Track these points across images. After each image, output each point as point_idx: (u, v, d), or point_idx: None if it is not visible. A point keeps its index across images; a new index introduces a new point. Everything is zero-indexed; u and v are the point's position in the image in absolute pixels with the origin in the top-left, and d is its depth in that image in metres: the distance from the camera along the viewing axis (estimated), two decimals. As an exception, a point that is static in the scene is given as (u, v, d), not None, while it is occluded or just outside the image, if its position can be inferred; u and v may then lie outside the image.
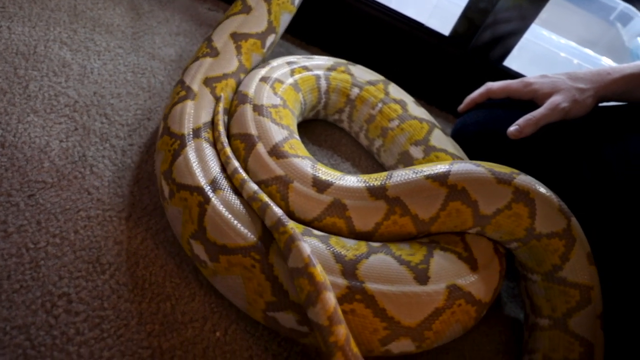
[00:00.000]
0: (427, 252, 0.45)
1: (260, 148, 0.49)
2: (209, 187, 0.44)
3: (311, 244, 0.42)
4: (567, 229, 0.47)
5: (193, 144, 0.47)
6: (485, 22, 0.71)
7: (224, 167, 0.47)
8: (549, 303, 0.48)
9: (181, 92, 0.52)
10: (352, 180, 0.48)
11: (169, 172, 0.46)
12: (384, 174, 0.49)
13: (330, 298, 0.38)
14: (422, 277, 0.42)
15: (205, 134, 0.49)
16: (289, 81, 0.59)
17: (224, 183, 0.45)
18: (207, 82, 0.53)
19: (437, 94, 0.80)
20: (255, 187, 0.45)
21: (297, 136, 0.54)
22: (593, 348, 0.45)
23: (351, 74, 0.65)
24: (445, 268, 0.44)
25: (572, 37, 1.12)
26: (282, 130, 0.52)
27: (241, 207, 0.44)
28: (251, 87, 0.55)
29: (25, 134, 0.53)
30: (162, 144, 0.49)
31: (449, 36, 0.75)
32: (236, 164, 0.47)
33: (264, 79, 0.57)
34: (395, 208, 0.46)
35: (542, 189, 0.48)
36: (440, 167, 0.48)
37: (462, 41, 0.74)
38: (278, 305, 0.41)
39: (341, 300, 0.40)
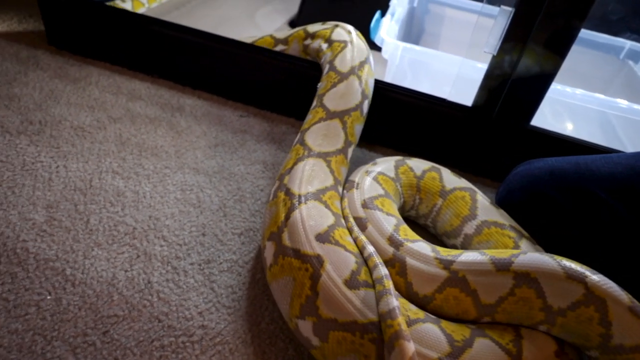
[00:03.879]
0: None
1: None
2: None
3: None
4: (588, 291, 0.44)
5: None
6: (505, 89, 0.73)
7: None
8: None
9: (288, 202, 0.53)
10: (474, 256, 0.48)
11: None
12: (510, 251, 0.49)
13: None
14: None
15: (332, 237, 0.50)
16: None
17: None
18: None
19: (470, 161, 0.81)
20: (385, 271, 0.46)
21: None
22: None
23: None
24: None
25: (586, 81, 1.14)
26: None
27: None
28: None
29: (92, 269, 0.55)
30: (288, 267, 0.48)
31: (472, 107, 0.77)
32: (371, 249, 0.48)
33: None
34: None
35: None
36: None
37: (485, 110, 0.76)
38: None
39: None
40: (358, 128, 0.69)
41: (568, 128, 1.00)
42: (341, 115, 0.66)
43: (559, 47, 0.67)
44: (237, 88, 0.88)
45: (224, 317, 0.52)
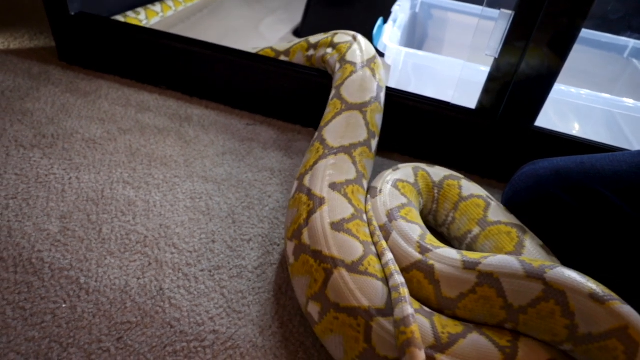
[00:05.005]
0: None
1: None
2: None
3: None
4: (547, 287, 0.43)
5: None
6: (509, 90, 0.74)
7: None
8: None
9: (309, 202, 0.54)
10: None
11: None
12: (485, 254, 0.49)
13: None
14: None
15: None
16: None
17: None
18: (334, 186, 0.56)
19: (475, 164, 0.82)
20: (401, 279, 0.46)
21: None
22: None
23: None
24: None
25: (591, 80, 1.14)
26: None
27: None
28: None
29: (105, 277, 0.56)
30: (304, 266, 0.51)
31: (476, 109, 0.78)
32: (390, 256, 0.49)
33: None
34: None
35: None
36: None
37: (489, 112, 0.77)
38: None
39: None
40: (378, 118, 0.70)
41: (574, 129, 1.00)
42: (360, 107, 0.67)
43: (560, 47, 0.68)
44: (243, 97, 0.89)
45: (235, 322, 0.53)
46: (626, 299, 0.58)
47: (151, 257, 0.59)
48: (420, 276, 0.50)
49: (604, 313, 0.41)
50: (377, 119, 0.70)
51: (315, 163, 0.60)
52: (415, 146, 0.84)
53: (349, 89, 0.71)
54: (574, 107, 1.00)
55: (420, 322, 0.44)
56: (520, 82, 0.72)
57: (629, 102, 0.89)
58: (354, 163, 0.61)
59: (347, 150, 0.62)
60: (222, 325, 0.53)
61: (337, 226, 0.51)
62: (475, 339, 0.43)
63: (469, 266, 0.48)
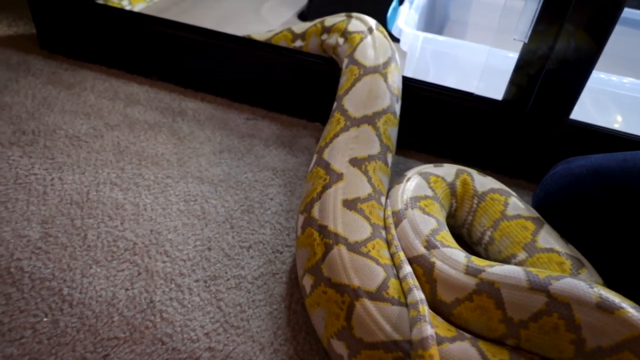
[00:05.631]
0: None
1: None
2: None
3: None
4: (550, 299, 0.44)
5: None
6: (540, 79, 0.73)
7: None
8: None
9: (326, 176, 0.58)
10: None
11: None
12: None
13: None
14: None
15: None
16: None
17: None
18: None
19: (503, 162, 0.81)
20: (421, 295, 0.46)
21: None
22: None
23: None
24: None
25: (635, 66, 1.13)
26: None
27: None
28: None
29: (90, 288, 0.57)
30: (308, 239, 0.55)
31: (503, 101, 0.77)
32: (408, 269, 0.50)
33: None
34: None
35: None
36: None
37: (518, 104, 0.76)
38: None
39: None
40: (393, 132, 0.70)
41: (616, 122, 0.99)
42: (371, 119, 0.66)
43: (598, 30, 0.67)
44: (243, 89, 0.90)
45: (233, 339, 0.54)
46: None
47: (141, 266, 0.60)
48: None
49: (613, 323, 0.41)
50: (392, 133, 0.69)
51: (336, 136, 0.64)
52: (435, 142, 0.84)
53: (353, 101, 0.70)
54: (616, 97, 0.98)
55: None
56: (552, 70, 0.72)
57: (679, 89, 0.88)
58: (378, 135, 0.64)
59: (370, 120, 0.65)
60: (219, 342, 0.53)
61: (350, 204, 0.56)
62: (465, 348, 0.44)
63: (471, 272, 0.49)
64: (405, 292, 0.48)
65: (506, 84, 0.76)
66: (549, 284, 0.45)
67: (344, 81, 0.73)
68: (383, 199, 0.61)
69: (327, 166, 0.60)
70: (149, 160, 0.76)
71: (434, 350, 0.42)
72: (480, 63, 0.83)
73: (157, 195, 0.70)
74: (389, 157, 0.66)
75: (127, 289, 0.57)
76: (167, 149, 0.78)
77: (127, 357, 0.51)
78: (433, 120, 0.82)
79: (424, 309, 0.45)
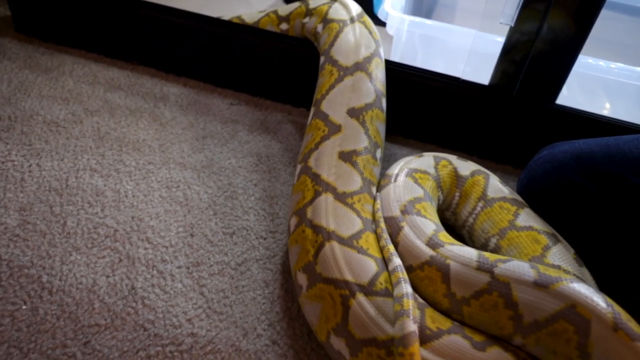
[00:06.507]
0: None
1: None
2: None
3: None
4: (493, 279, 0.47)
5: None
6: (526, 64, 0.74)
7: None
8: None
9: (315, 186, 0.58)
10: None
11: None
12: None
13: None
14: None
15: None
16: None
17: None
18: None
19: (489, 147, 0.83)
20: (408, 289, 0.47)
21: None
22: None
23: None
24: None
25: (623, 52, 1.14)
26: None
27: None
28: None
29: (70, 275, 0.58)
30: (300, 185, 0.59)
31: (489, 85, 0.78)
32: (398, 262, 0.50)
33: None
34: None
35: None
36: None
37: (504, 88, 0.77)
38: None
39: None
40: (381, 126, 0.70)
41: (604, 108, 1.00)
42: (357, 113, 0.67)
43: (584, 14, 0.68)
44: (226, 74, 0.90)
45: (215, 324, 0.55)
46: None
47: (122, 252, 0.61)
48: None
49: (548, 297, 0.44)
50: (380, 128, 0.70)
51: (332, 87, 0.67)
52: (421, 128, 0.85)
53: (341, 50, 0.71)
54: (604, 83, 1.00)
55: None
56: (539, 54, 0.73)
57: (665, 75, 0.89)
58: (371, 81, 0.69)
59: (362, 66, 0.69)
60: (202, 328, 0.54)
61: (346, 156, 0.60)
62: (456, 339, 0.46)
63: (431, 244, 0.52)
64: (393, 285, 0.48)
65: (493, 68, 0.77)
66: (495, 266, 0.48)
67: (323, 82, 0.72)
68: (379, 152, 0.66)
69: (325, 117, 0.65)
70: (130, 147, 0.76)
71: (414, 348, 0.42)
72: (468, 47, 0.84)
73: (138, 182, 0.70)
74: (383, 101, 0.70)
75: (108, 276, 0.58)
76: (149, 134, 0.78)
77: (109, 343, 0.52)
78: (419, 106, 0.82)
79: (409, 303, 0.45)
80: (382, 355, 0.45)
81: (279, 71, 0.87)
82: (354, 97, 0.67)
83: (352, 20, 0.78)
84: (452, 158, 0.68)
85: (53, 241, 0.61)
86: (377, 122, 0.67)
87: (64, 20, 0.94)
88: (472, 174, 0.66)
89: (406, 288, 0.47)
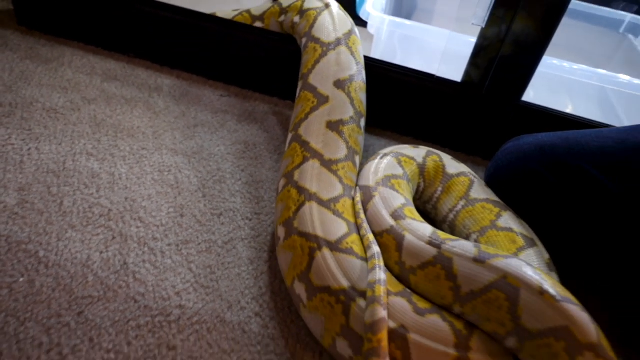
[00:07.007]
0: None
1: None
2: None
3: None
4: (439, 254, 0.48)
5: None
6: (495, 63, 0.75)
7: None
8: None
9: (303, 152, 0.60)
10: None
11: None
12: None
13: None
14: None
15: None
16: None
17: None
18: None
19: (461, 140, 0.83)
20: (381, 276, 0.46)
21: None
22: None
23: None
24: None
25: (585, 56, 1.16)
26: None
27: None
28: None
29: (66, 251, 0.57)
30: (290, 151, 0.61)
31: (462, 83, 0.79)
32: (376, 249, 0.50)
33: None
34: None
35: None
36: None
37: (475, 86, 0.78)
38: None
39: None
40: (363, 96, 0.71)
41: (566, 106, 1.02)
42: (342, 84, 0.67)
43: (549, 17, 0.69)
44: (217, 67, 0.89)
45: (202, 297, 0.54)
46: (608, 276, 0.61)
47: (115, 230, 0.60)
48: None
49: (483, 271, 0.45)
50: (362, 97, 0.70)
51: (317, 62, 0.68)
52: (398, 121, 0.85)
53: (321, 29, 0.72)
54: (568, 84, 1.02)
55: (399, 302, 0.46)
56: (507, 55, 0.74)
57: (624, 78, 0.91)
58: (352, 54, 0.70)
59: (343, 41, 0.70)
60: (189, 301, 0.54)
61: (333, 126, 0.62)
62: (401, 302, 0.47)
63: (394, 216, 0.54)
64: (368, 270, 0.48)
65: (465, 67, 0.78)
66: (443, 243, 0.49)
67: (308, 59, 0.73)
68: (362, 121, 0.67)
69: (314, 90, 0.66)
70: (125, 133, 0.75)
71: (382, 335, 0.42)
72: (443, 47, 0.84)
73: (132, 166, 0.69)
74: (364, 73, 0.72)
75: (101, 252, 0.57)
76: (143, 122, 0.78)
77: (101, 314, 0.51)
78: (397, 100, 0.83)
79: (380, 289, 0.45)
80: (332, 302, 0.47)
81: (266, 66, 0.87)
82: (339, 70, 0.68)
83: (327, 6, 0.78)
84: (446, 157, 0.68)
85: (50, 219, 0.60)
86: (360, 93, 0.69)
87: (64, 15, 0.93)
88: (459, 174, 0.66)
89: (380, 275, 0.46)
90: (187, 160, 0.72)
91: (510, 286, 0.44)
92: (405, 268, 0.51)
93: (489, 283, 0.45)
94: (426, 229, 0.52)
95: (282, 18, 0.83)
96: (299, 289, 0.51)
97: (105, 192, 0.65)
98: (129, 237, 0.60)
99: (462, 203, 0.63)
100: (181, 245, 0.60)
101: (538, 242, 0.58)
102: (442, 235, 0.51)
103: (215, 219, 0.64)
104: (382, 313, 0.43)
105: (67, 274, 0.55)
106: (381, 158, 0.64)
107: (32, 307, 0.51)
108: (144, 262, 0.57)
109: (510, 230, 0.58)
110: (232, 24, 0.87)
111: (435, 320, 0.45)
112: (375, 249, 0.50)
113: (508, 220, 0.60)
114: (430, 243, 0.49)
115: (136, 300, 0.53)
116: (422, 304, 0.47)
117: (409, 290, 0.49)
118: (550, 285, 0.43)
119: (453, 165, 0.67)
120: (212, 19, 0.87)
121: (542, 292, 0.42)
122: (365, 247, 0.52)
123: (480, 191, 0.64)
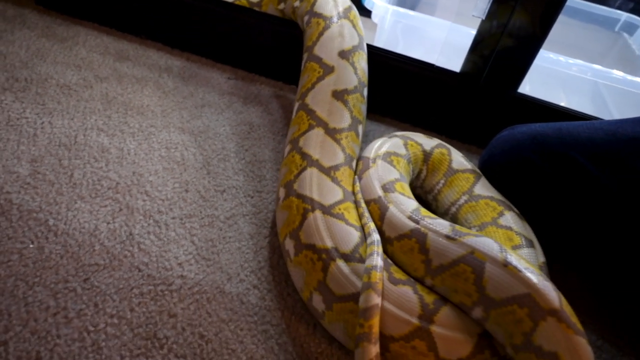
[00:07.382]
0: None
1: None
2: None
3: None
4: (415, 228, 0.49)
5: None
6: (493, 54, 0.73)
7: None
8: None
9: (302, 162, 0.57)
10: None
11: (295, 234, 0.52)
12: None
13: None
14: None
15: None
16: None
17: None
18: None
19: (457, 128, 0.82)
20: (378, 262, 0.45)
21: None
22: None
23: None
24: None
25: (581, 53, 1.14)
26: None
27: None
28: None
29: (75, 220, 0.57)
30: (297, 119, 0.61)
31: (460, 73, 0.77)
32: (376, 237, 0.49)
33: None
34: None
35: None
36: None
37: (473, 76, 0.76)
38: None
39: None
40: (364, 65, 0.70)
41: (560, 99, 1.00)
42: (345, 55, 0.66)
43: (547, 11, 0.67)
44: (225, 50, 0.88)
45: (203, 269, 0.54)
46: (597, 263, 0.60)
47: (122, 203, 0.59)
48: None
49: (453, 247, 0.46)
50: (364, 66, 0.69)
51: (321, 34, 0.67)
52: (398, 108, 0.84)
53: (323, 5, 0.70)
54: (562, 77, 1.00)
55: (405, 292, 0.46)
56: (505, 46, 0.72)
57: (618, 73, 0.89)
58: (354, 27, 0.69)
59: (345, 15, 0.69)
60: (190, 271, 0.53)
61: (338, 95, 0.61)
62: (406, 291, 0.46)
63: (384, 188, 0.55)
64: (366, 256, 0.47)
65: (464, 57, 0.76)
66: (422, 219, 0.49)
67: (312, 32, 0.71)
68: (365, 91, 0.66)
69: (319, 60, 0.65)
70: (134, 110, 0.74)
71: (374, 321, 0.42)
72: (443, 37, 0.82)
73: (140, 142, 0.69)
74: (364, 45, 0.70)
75: (108, 223, 0.57)
76: (152, 101, 0.77)
77: (106, 281, 0.51)
78: (397, 88, 0.81)
79: (376, 275, 0.44)
80: (314, 259, 0.48)
81: (272, 51, 0.85)
82: (342, 40, 0.67)
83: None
84: (456, 153, 0.65)
85: (60, 190, 0.60)
86: (362, 62, 0.68)
87: (79, -5, 0.91)
88: (465, 171, 0.63)
89: (377, 260, 0.45)
90: (193, 139, 0.71)
91: (476, 260, 0.44)
92: (384, 237, 0.51)
93: (457, 257, 0.45)
94: (410, 204, 0.52)
95: (282, 6, 0.81)
96: (289, 244, 0.52)
97: (114, 166, 0.64)
98: (135, 210, 0.59)
99: (464, 198, 0.61)
100: (185, 219, 0.59)
101: (536, 245, 0.55)
102: (423, 212, 0.51)
103: (219, 195, 0.63)
104: (376, 300, 0.43)
105: (75, 242, 0.54)
106: (390, 137, 0.64)
107: (40, 272, 0.51)
108: (148, 233, 0.57)
109: (510, 229, 0.56)
110: (240, 9, 0.85)
111: (406, 291, 0.45)
112: (376, 236, 0.49)
113: (510, 219, 0.57)
114: (410, 218, 0.50)
115: (140, 269, 0.53)
116: (399, 275, 0.47)
117: (389, 261, 0.49)
118: (515, 258, 0.43)
119: (460, 162, 0.64)
120: (221, 4, 0.85)
121: (505, 264, 0.42)
122: (366, 235, 0.50)
123: (485, 189, 0.61)
